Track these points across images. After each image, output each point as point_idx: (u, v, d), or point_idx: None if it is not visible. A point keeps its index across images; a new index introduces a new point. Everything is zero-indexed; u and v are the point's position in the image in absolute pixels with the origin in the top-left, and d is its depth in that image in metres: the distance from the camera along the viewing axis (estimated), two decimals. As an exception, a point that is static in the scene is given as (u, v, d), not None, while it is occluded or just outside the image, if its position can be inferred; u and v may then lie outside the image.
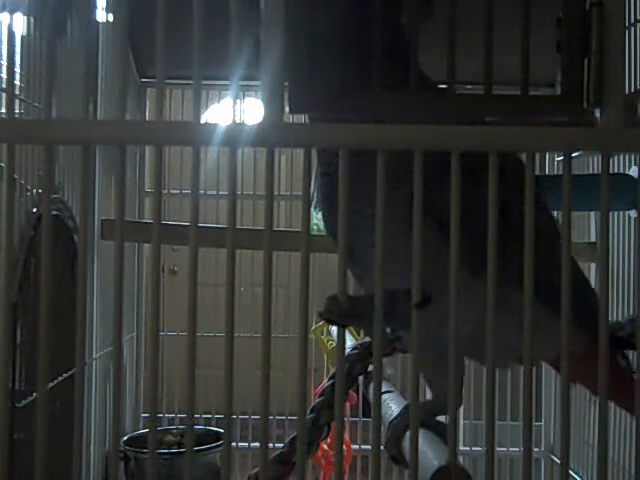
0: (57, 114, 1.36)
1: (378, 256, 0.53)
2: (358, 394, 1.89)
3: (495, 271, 0.54)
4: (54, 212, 1.46)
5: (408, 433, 0.58)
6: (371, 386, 1.05)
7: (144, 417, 2.33)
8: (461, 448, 2.17)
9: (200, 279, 0.55)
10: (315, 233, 0.95)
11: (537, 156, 0.58)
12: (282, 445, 1.08)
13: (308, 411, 1.08)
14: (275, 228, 0.57)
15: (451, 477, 0.58)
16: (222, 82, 1.98)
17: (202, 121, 0.54)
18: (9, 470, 0.54)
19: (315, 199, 1.32)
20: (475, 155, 0.51)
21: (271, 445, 1.87)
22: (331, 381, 1.14)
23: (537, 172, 0.57)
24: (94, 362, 1.88)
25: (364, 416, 2.23)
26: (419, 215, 0.53)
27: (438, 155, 0.52)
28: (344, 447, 0.57)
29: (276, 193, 2.09)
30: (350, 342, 1.13)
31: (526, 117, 0.60)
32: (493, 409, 0.55)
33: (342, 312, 0.61)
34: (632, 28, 1.58)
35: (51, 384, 1.38)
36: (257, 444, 2.15)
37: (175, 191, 2.25)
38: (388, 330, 0.93)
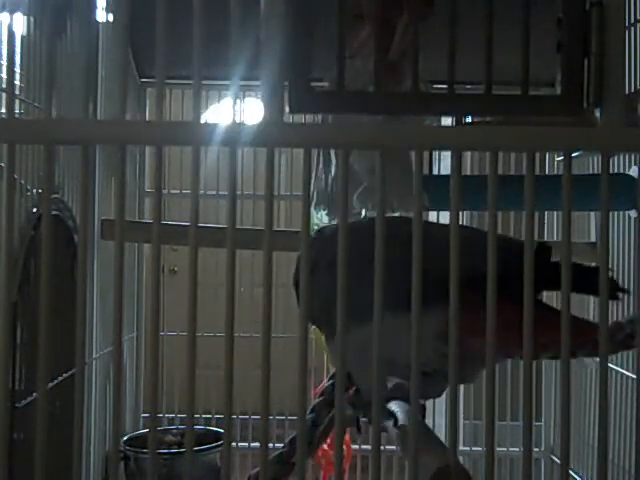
0: (57, 114, 1.36)
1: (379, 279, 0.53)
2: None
3: (494, 280, 0.54)
4: (54, 212, 1.46)
5: (411, 434, 0.58)
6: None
7: (144, 417, 2.33)
8: (461, 448, 2.17)
9: (200, 279, 0.56)
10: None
11: (537, 156, 0.58)
12: (282, 445, 1.08)
13: (308, 411, 1.08)
14: (275, 228, 0.57)
15: (451, 477, 0.58)
16: (222, 82, 1.98)
17: (202, 121, 0.54)
18: (9, 470, 0.54)
19: (315, 199, 1.32)
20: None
21: (271, 445, 1.87)
22: (331, 381, 1.14)
23: (537, 172, 0.57)
24: (94, 362, 1.88)
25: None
26: (419, 215, 0.53)
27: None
28: (344, 447, 0.57)
29: (276, 193, 2.09)
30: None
31: (526, 117, 0.60)
32: (493, 409, 0.56)
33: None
34: (632, 28, 1.58)
35: (51, 384, 1.38)
36: (257, 444, 2.15)
37: (175, 191, 2.25)
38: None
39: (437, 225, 0.89)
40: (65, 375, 1.46)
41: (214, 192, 2.22)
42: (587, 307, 1.58)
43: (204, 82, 0.54)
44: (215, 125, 0.53)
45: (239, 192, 2.08)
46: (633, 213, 1.62)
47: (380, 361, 0.56)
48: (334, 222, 1.22)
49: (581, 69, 0.57)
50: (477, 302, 0.56)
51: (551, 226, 2.20)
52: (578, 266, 0.64)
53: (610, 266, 0.58)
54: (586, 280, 0.61)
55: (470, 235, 0.64)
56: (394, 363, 0.71)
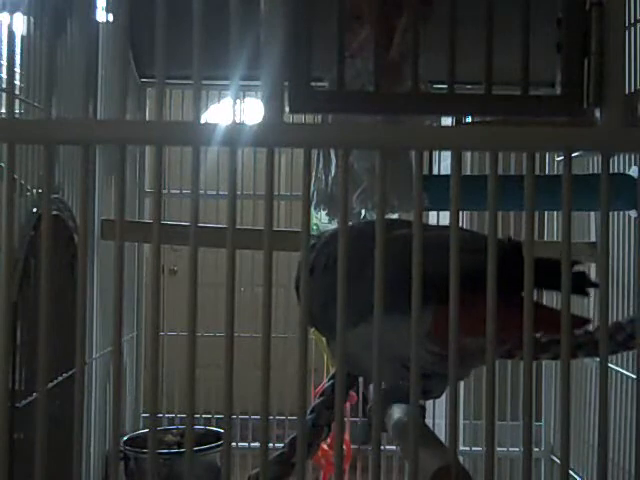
0: (57, 114, 1.36)
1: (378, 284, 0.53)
2: (358, 394, 1.89)
3: (494, 280, 0.54)
4: (54, 212, 1.45)
5: (411, 434, 0.58)
6: (371, 386, 1.05)
7: (144, 417, 2.33)
8: (461, 448, 2.17)
9: (200, 279, 0.56)
10: (315, 233, 0.96)
11: (537, 156, 0.58)
12: (282, 445, 1.08)
13: (308, 411, 1.08)
14: (275, 228, 0.57)
15: (451, 477, 0.58)
16: (222, 82, 1.97)
17: (202, 121, 0.54)
18: (9, 470, 0.54)
19: (315, 199, 1.32)
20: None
21: (271, 445, 1.87)
22: (331, 381, 1.14)
23: (537, 172, 0.57)
24: (94, 362, 1.88)
25: (364, 416, 2.22)
26: (419, 215, 0.53)
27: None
28: (344, 447, 0.57)
29: (276, 193, 2.09)
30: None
31: (526, 117, 0.60)
32: (493, 409, 0.56)
33: None
34: (632, 28, 1.58)
35: (51, 384, 1.38)
36: (257, 444, 2.15)
37: (175, 191, 2.25)
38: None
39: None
40: (65, 375, 1.46)
41: (214, 192, 2.22)
42: (587, 308, 1.58)
43: (204, 82, 0.54)
44: (215, 125, 0.53)
45: (239, 192, 2.08)
46: (633, 213, 1.62)
47: (383, 360, 0.56)
48: (335, 222, 1.22)
49: (581, 69, 0.57)
50: (462, 300, 0.56)
51: (551, 226, 2.20)
52: (543, 261, 0.61)
53: (610, 266, 0.57)
54: (549, 276, 0.58)
55: (440, 234, 0.63)
56: (392, 363, 0.72)
